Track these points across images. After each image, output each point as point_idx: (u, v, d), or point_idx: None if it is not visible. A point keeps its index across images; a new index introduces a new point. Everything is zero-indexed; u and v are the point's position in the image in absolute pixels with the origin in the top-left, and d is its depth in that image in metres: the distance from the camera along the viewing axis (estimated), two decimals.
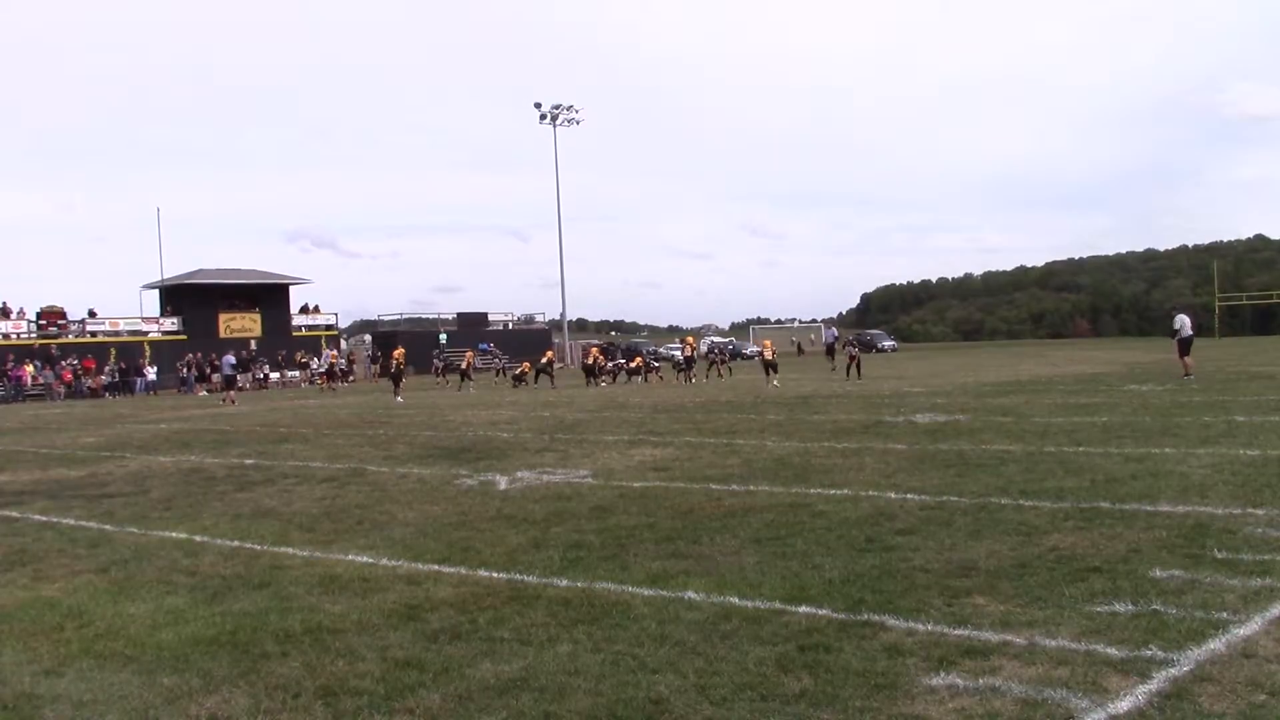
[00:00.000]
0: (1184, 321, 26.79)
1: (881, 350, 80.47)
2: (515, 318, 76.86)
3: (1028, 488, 9.80)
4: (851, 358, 34.49)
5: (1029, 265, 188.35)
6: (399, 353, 38.12)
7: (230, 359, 40.25)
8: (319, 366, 51.73)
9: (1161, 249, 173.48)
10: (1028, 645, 5.07)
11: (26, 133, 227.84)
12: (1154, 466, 10.82)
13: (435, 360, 51.72)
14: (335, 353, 52.20)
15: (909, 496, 9.63)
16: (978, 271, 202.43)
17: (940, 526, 8.14)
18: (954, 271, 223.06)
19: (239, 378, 43.03)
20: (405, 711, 4.60)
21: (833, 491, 10.14)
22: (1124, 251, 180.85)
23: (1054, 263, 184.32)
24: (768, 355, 33.74)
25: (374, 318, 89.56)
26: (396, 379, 35.97)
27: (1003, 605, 5.81)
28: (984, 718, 4.22)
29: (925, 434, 15.16)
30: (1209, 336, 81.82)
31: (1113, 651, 4.92)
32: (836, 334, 49.38)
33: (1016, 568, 6.66)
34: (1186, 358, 26.37)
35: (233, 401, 36.01)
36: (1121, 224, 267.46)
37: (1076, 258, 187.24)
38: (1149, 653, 4.88)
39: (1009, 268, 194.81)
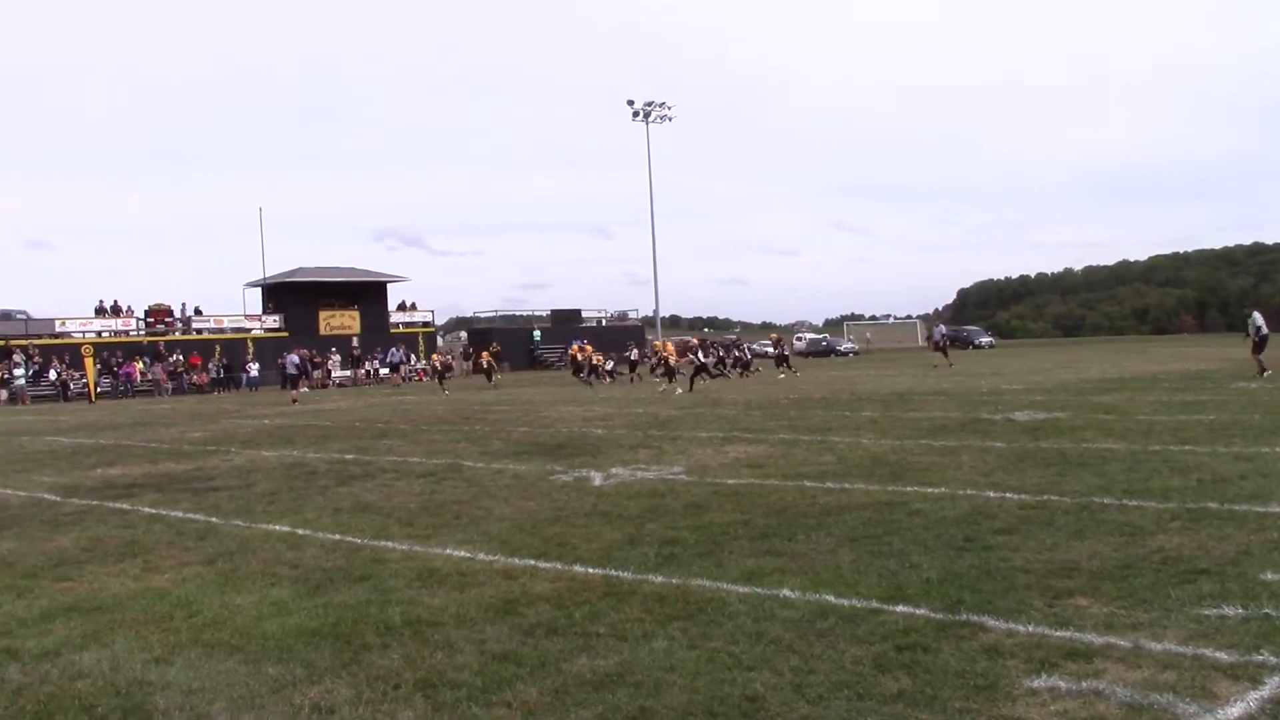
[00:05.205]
0: (1260, 320, 26.77)
1: (978, 346, 79.02)
2: (608, 314, 77.10)
3: (1132, 487, 9.56)
4: (781, 358, 32.08)
5: (1131, 259, 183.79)
6: (438, 356, 42.55)
7: (294, 358, 39.95)
8: (418, 363, 52.38)
9: (1270, 242, 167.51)
10: (1132, 648, 4.96)
11: (138, 138, 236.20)
12: (1264, 466, 10.48)
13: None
14: (437, 354, 52.86)
15: (1008, 495, 9.46)
16: (1078, 266, 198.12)
17: (1041, 526, 7.99)
18: (1053, 266, 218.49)
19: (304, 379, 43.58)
20: (502, 704, 4.66)
21: (930, 490, 10.00)
22: (1231, 245, 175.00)
23: (1158, 256, 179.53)
24: (777, 351, 32.08)
25: (469, 315, 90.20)
26: (441, 376, 38.32)
27: (1106, 607, 5.69)
28: None
29: (1024, 432, 14.87)
30: None
31: (1222, 656, 4.79)
32: (945, 330, 48.71)
33: (1120, 569, 6.51)
34: (1260, 355, 26.16)
35: (294, 400, 35.00)
36: (1228, 217, 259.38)
37: (1181, 252, 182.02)
38: (1260, 658, 4.74)
39: (1110, 262, 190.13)
